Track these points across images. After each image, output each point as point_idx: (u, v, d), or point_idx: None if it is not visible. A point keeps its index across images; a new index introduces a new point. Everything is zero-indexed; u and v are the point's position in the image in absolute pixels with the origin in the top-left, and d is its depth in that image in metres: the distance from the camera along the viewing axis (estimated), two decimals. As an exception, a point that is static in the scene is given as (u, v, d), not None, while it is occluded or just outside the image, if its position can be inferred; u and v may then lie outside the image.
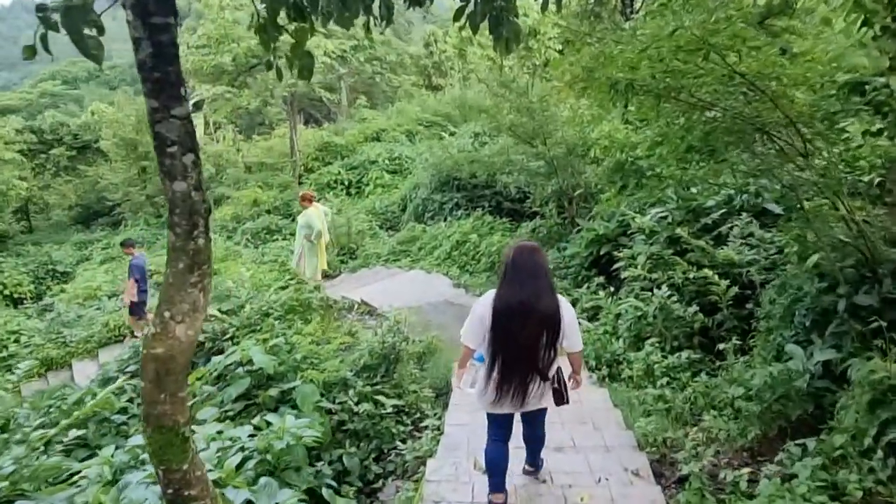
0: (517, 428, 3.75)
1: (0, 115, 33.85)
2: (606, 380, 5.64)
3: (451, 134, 16.84)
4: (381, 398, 5.35)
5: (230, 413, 4.87)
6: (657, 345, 5.45)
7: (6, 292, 17.77)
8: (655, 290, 5.74)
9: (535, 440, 3.87)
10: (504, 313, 3.39)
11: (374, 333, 6.62)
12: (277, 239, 15.96)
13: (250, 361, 5.13)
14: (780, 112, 3.68)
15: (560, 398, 3.59)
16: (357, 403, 5.17)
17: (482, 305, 3.50)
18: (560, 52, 16.39)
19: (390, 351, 6.24)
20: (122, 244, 10.71)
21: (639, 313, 5.85)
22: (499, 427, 3.66)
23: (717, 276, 5.31)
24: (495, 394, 3.46)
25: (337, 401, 5.22)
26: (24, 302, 16.62)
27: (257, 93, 17.79)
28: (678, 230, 6.05)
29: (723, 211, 6.29)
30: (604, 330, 6.29)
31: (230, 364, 5.25)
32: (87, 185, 27.37)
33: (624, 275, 6.57)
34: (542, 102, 8.95)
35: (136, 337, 10.40)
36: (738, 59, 3.57)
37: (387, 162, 17.87)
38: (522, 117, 8.88)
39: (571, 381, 3.68)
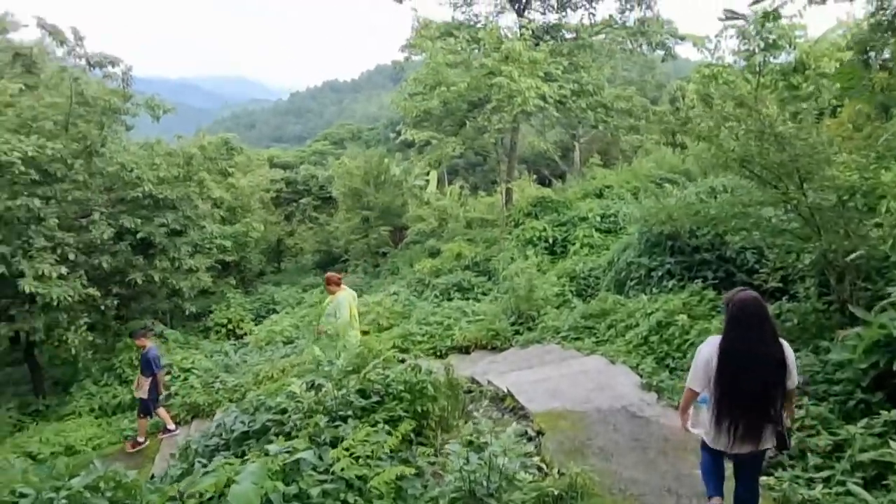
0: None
1: (279, 168, 38.48)
2: None
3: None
4: None
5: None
6: None
7: (230, 326, 18.80)
8: None
9: (748, 497, 3.88)
10: (733, 358, 3.57)
11: (477, 460, 4.23)
12: (469, 298, 14.31)
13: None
14: None
15: (783, 441, 3.66)
16: None
17: (708, 349, 3.71)
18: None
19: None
20: (132, 335, 9.99)
21: None
22: (713, 464, 3.96)
23: None
24: (717, 433, 3.67)
25: None
26: (243, 338, 17.32)
27: (464, 139, 16.68)
28: None
29: None
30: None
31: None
32: (325, 233, 29.30)
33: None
34: (799, 126, 5.87)
35: (169, 431, 9.43)
36: None
37: (598, 219, 15.28)
38: (765, 145, 5.88)
39: (786, 416, 3.75)
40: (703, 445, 3.94)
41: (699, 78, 17.84)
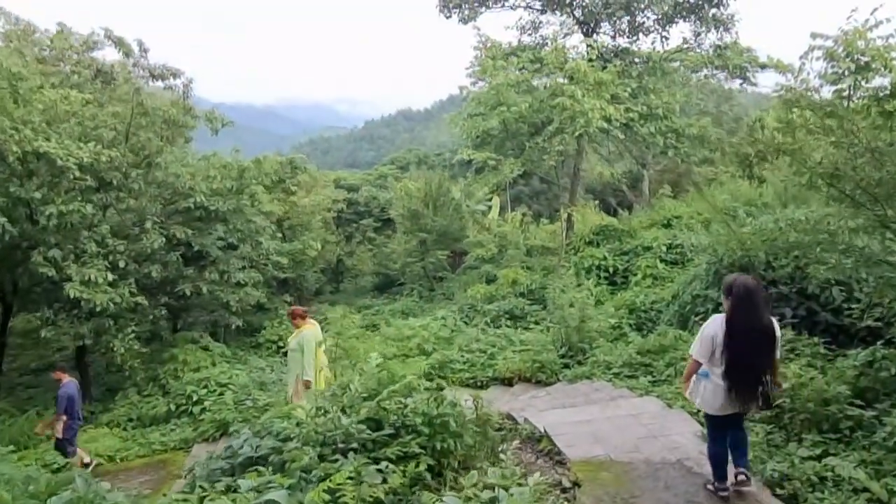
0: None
1: (343, 189, 38.90)
2: None
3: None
4: None
5: None
6: None
7: (280, 343, 18.68)
8: None
9: (742, 440, 4.59)
10: (740, 333, 4.21)
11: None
12: (519, 326, 13.53)
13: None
14: None
15: (767, 402, 4.35)
16: None
17: (713, 326, 4.35)
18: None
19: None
20: (55, 367, 9.31)
21: None
22: (723, 428, 4.52)
23: None
24: (728, 398, 4.30)
25: None
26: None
27: (523, 161, 16.02)
28: None
29: None
30: None
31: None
32: (382, 255, 29.12)
33: None
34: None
35: (87, 465, 8.74)
36: None
37: (664, 249, 14.20)
38: (858, 160, 4.98)
39: (773, 385, 4.37)
40: (711, 422, 4.62)
41: (780, 104, 16.59)
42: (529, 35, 20.22)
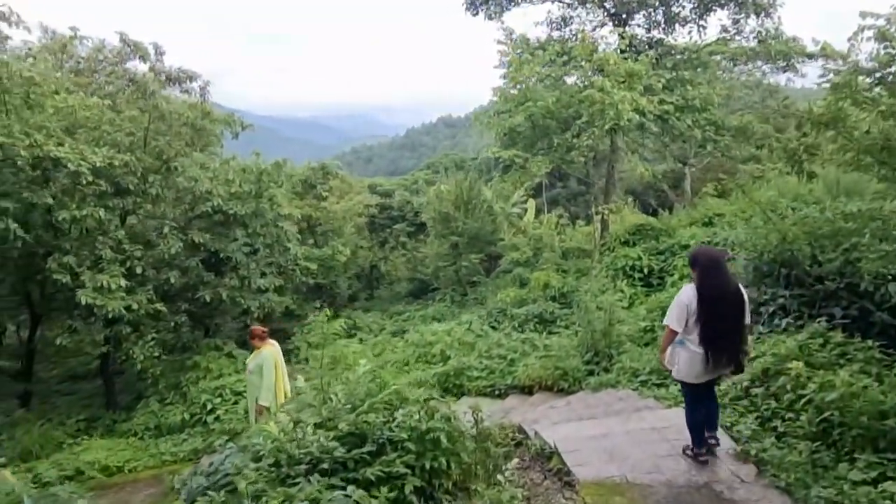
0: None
1: (378, 195, 38.74)
2: None
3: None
4: None
5: None
6: None
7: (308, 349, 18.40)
8: None
9: (714, 408, 4.95)
10: (711, 299, 4.43)
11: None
12: (548, 331, 12.83)
13: None
14: None
15: (740, 366, 4.72)
16: None
17: (687, 295, 4.56)
18: None
19: None
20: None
21: None
22: (700, 396, 4.76)
23: None
24: (705, 365, 4.51)
25: None
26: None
27: (552, 159, 15.31)
28: None
29: None
30: None
31: None
32: (416, 260, 28.70)
33: None
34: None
35: None
36: None
37: (703, 247, 13.28)
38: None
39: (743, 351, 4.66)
40: (689, 390, 4.79)
41: (829, 93, 15.49)
42: (559, 30, 19.51)
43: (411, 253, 29.15)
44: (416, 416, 4.58)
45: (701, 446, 4.78)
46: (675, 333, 4.60)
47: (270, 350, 7.25)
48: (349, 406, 4.76)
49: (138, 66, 18.86)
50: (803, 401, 5.19)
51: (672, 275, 13.03)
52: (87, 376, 17.04)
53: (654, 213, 28.09)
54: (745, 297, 4.58)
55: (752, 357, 4.94)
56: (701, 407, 4.77)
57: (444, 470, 4.53)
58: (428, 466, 4.43)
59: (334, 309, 25.88)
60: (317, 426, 4.48)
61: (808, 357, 5.76)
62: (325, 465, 3.97)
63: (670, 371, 4.95)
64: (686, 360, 4.57)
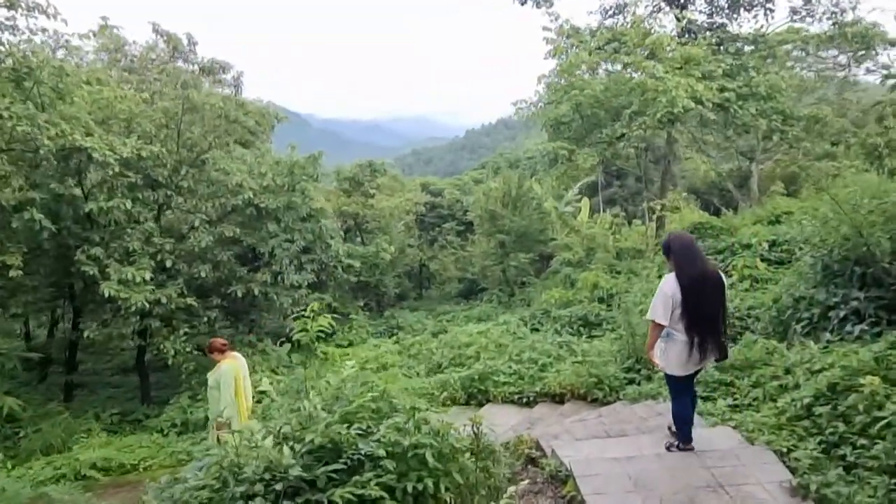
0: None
1: (430, 194, 38.30)
2: None
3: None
4: None
5: None
6: None
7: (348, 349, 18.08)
8: None
9: (694, 398, 4.94)
10: (693, 286, 4.32)
11: None
12: (592, 334, 11.94)
13: None
14: None
15: (724, 352, 4.58)
16: None
17: (670, 285, 4.39)
18: None
19: None
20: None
21: None
22: (686, 387, 4.69)
23: None
24: (693, 353, 4.39)
25: None
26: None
27: (600, 151, 14.33)
28: None
29: None
30: None
31: None
32: (464, 259, 28.05)
33: None
34: None
35: None
36: None
37: (766, 246, 12.03)
38: None
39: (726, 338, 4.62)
40: (675, 383, 4.68)
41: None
42: (612, 17, 18.43)
43: (459, 252, 28.53)
44: (399, 430, 3.93)
45: (688, 441, 4.70)
46: (662, 328, 4.46)
47: (231, 364, 6.67)
48: (325, 415, 4.14)
49: (189, 66, 19.07)
50: (879, 424, 4.23)
51: (731, 276, 11.87)
52: (134, 370, 17.24)
53: (717, 213, 26.50)
54: (724, 280, 4.52)
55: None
56: (688, 399, 4.72)
57: (431, 494, 3.86)
58: (411, 489, 3.78)
59: (380, 308, 25.59)
60: (285, 438, 3.88)
61: (885, 371, 4.79)
62: (278, 487, 3.36)
63: (658, 366, 4.82)
64: (675, 351, 4.45)
